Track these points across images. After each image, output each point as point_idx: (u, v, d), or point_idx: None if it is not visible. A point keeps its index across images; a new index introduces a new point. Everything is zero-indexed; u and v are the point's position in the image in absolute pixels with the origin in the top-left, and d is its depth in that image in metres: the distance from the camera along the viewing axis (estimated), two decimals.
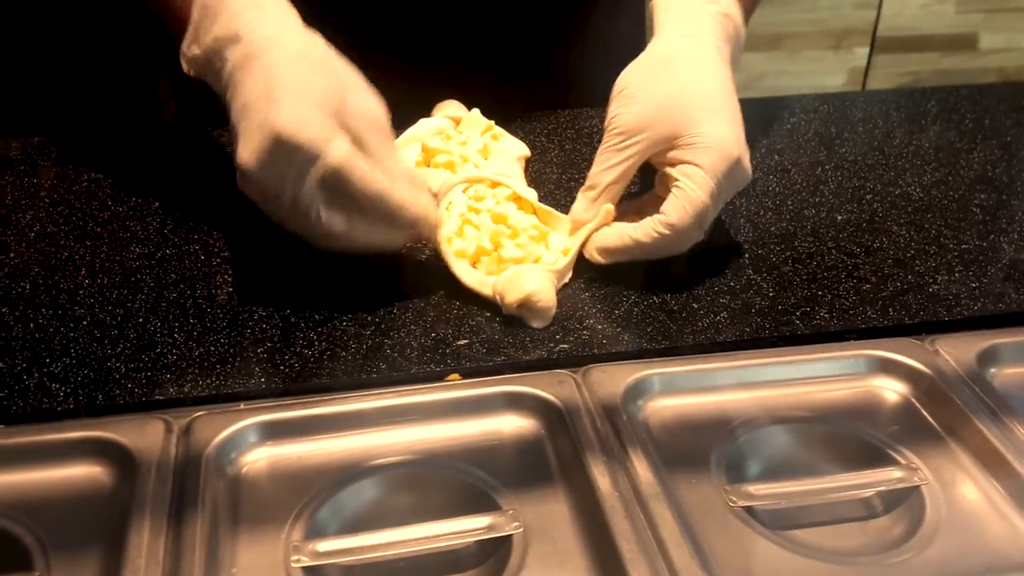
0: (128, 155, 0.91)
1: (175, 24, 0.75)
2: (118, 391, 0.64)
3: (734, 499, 0.59)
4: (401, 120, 0.91)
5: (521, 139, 0.90)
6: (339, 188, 0.67)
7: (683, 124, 0.72)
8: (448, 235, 0.75)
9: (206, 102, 0.81)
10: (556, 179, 0.88)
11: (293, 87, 0.67)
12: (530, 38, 1.02)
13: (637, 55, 0.78)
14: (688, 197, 0.71)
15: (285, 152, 0.65)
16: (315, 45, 0.72)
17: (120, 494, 0.58)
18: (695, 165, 0.71)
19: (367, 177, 0.68)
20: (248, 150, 0.66)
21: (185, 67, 0.75)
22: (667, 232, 0.71)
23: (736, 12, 0.79)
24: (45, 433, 0.61)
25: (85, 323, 0.69)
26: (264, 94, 0.67)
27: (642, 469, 0.59)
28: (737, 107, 0.75)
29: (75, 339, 0.68)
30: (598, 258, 0.75)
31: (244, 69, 0.69)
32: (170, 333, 0.68)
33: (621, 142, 0.74)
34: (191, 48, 0.73)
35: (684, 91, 0.73)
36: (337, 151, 0.66)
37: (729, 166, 0.72)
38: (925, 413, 0.67)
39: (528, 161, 0.88)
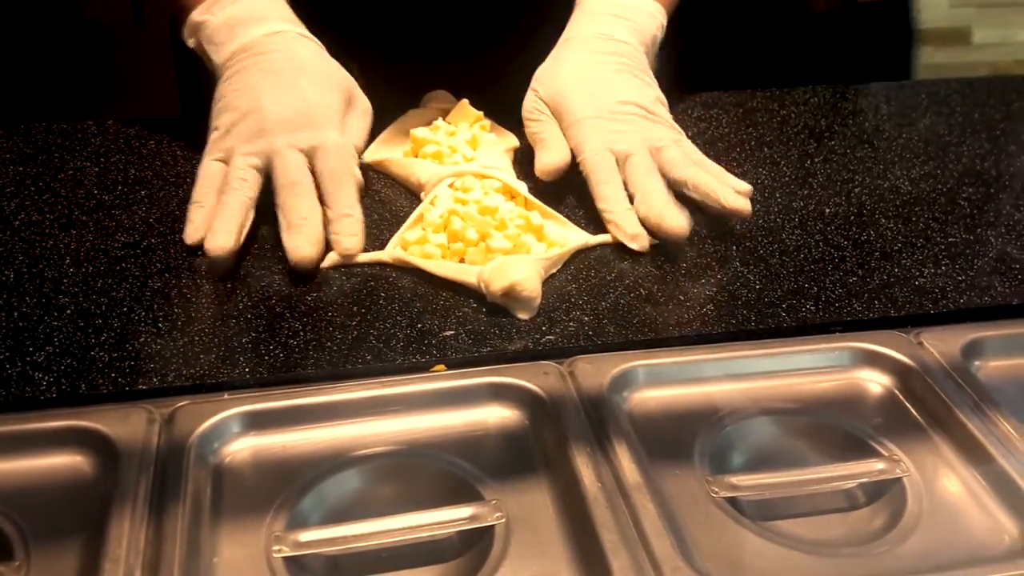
0: (114, 144, 0.90)
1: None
2: (101, 380, 0.63)
3: (717, 490, 0.59)
4: (391, 111, 0.91)
5: (510, 130, 0.90)
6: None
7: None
8: (411, 239, 0.75)
9: (206, 94, 0.84)
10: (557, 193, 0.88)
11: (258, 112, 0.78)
12: (520, 29, 1.01)
13: None
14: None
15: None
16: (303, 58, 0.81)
17: (102, 484, 0.58)
18: None
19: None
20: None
21: (185, 35, 0.84)
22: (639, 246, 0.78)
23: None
24: (27, 422, 0.60)
25: (69, 312, 0.69)
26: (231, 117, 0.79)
27: (625, 460, 0.59)
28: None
29: (58, 328, 0.67)
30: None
31: (231, 74, 0.81)
32: (154, 323, 0.68)
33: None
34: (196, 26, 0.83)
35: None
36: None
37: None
38: (909, 405, 0.67)
39: (517, 152, 0.88)
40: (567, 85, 0.84)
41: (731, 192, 0.79)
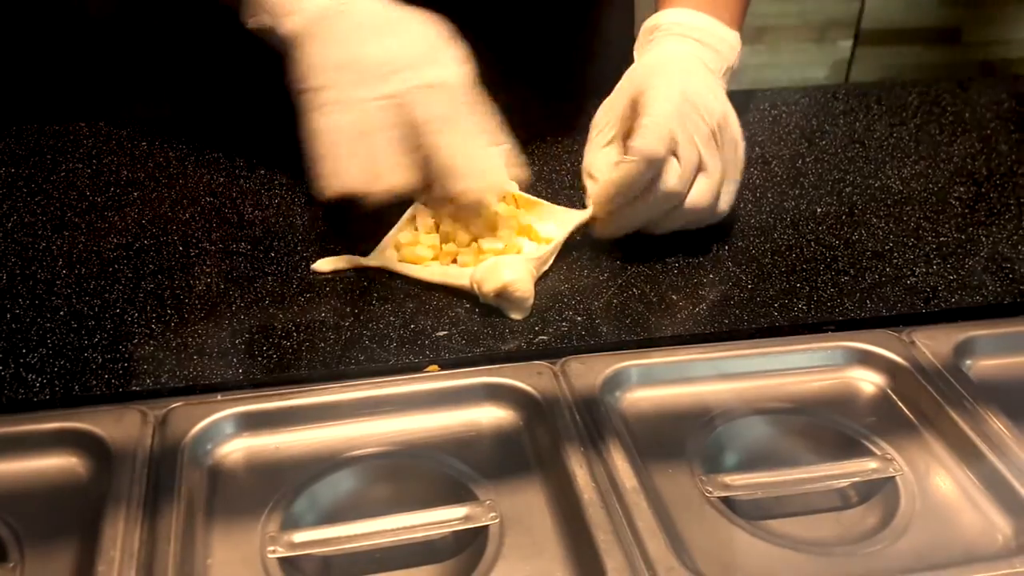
0: (106, 145, 0.90)
1: None
2: (94, 382, 0.63)
3: (710, 489, 0.59)
4: None
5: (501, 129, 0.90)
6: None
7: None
8: (403, 241, 0.75)
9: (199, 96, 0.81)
10: (537, 172, 0.88)
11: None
12: (513, 33, 1.02)
13: (621, 51, 0.78)
14: (647, 127, 0.72)
15: None
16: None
17: (96, 485, 0.58)
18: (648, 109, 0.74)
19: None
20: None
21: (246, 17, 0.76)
22: (636, 160, 0.72)
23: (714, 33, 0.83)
24: (21, 424, 0.60)
25: (62, 313, 0.69)
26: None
27: (619, 460, 0.59)
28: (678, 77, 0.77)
29: (52, 330, 0.67)
30: (603, 231, 0.76)
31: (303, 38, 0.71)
32: (147, 324, 0.68)
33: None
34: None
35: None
36: None
37: (679, 100, 0.75)
38: (901, 404, 0.67)
39: (509, 152, 0.88)
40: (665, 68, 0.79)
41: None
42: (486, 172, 0.69)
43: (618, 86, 0.80)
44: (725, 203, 0.78)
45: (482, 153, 0.69)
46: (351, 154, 0.67)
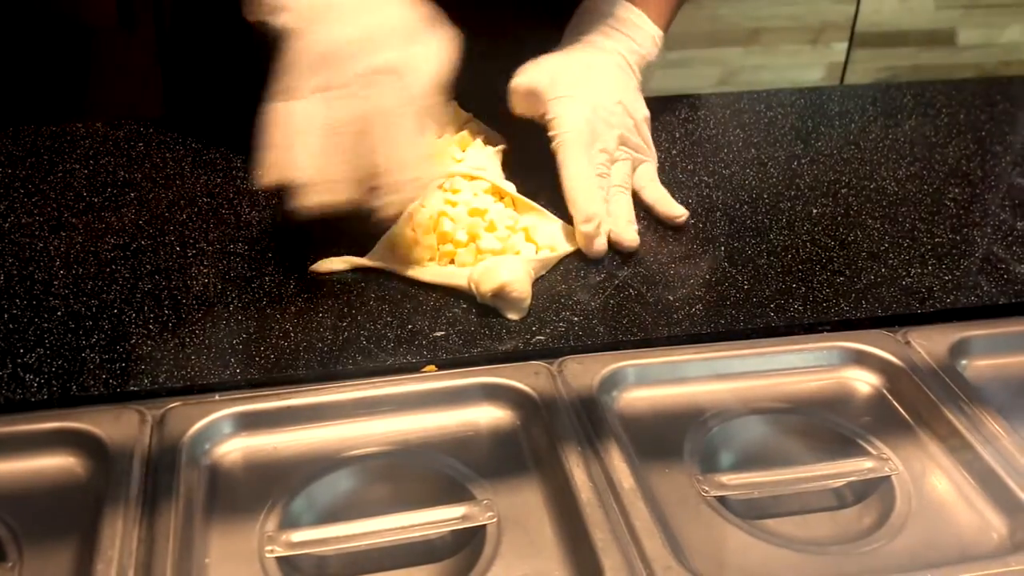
0: (102, 146, 0.90)
1: None
2: (92, 382, 0.63)
3: (707, 489, 0.59)
4: None
5: (498, 131, 0.90)
6: None
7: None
8: (400, 241, 0.75)
9: (192, 95, 0.81)
10: (534, 171, 0.88)
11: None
12: (508, 29, 1.02)
13: None
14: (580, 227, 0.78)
15: None
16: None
17: (94, 485, 0.58)
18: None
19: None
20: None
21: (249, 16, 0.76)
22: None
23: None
24: (19, 424, 0.60)
25: (59, 314, 0.69)
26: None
27: (616, 460, 0.59)
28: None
29: (49, 330, 0.67)
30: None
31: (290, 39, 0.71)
32: (145, 324, 0.68)
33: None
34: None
35: None
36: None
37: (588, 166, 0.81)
38: (897, 404, 0.67)
39: (506, 153, 0.88)
40: (568, 66, 0.84)
41: (676, 205, 0.82)
42: (413, 168, 0.69)
43: (534, 67, 0.84)
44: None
45: (413, 150, 0.69)
46: (298, 147, 0.68)
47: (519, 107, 0.85)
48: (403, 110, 0.69)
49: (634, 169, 0.85)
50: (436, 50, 0.72)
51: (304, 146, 0.68)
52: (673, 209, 0.83)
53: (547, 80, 0.83)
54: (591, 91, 0.83)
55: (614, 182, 0.82)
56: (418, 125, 0.69)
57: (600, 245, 0.77)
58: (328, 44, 0.70)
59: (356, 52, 0.70)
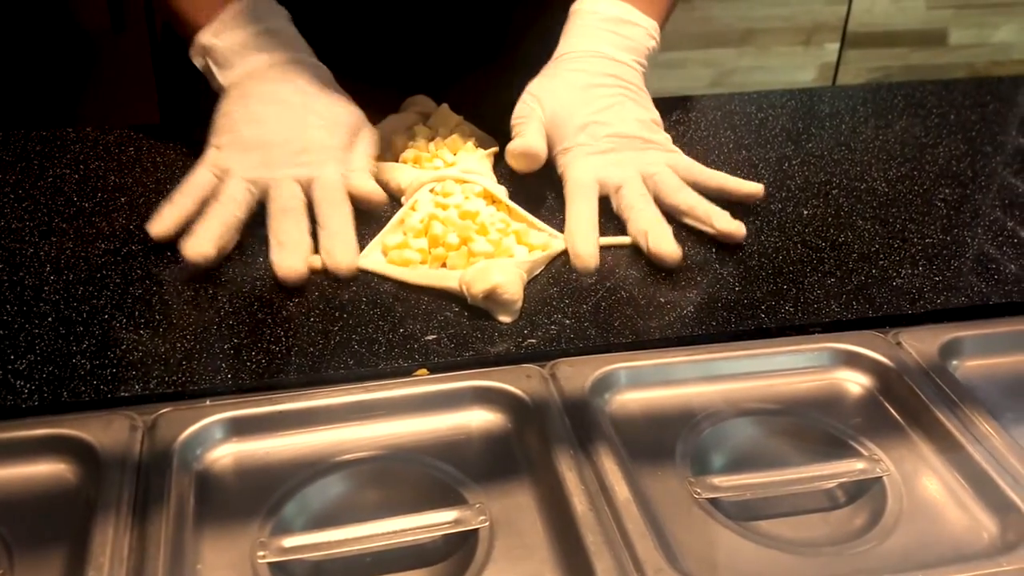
0: (93, 151, 0.90)
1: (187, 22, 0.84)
2: (83, 388, 0.63)
3: (699, 491, 0.59)
4: (370, 117, 0.91)
5: (490, 134, 0.90)
6: None
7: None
8: (391, 244, 0.75)
9: (187, 104, 0.83)
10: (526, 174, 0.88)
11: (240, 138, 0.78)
12: (500, 32, 1.02)
13: None
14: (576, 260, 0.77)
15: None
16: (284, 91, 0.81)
17: (85, 491, 0.57)
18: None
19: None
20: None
21: (192, 55, 0.84)
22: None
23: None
24: (9, 430, 0.60)
25: (50, 319, 0.69)
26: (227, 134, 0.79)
27: (608, 462, 0.59)
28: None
29: (39, 336, 0.67)
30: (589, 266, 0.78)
31: (238, 95, 0.81)
32: (135, 329, 0.68)
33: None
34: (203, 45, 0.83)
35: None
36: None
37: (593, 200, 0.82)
38: (888, 405, 0.67)
39: (497, 156, 0.88)
40: (563, 107, 0.84)
41: (724, 217, 0.79)
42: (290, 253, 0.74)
43: (528, 125, 0.84)
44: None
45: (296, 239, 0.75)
46: (182, 209, 0.75)
47: (520, 168, 0.84)
48: (339, 199, 0.77)
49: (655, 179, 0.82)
50: (363, 154, 0.81)
51: (221, 221, 0.74)
52: (744, 187, 0.83)
53: (543, 143, 0.83)
54: (593, 135, 0.83)
55: (629, 199, 0.80)
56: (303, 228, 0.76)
57: (589, 263, 0.76)
58: (267, 151, 0.78)
59: (290, 162, 0.77)
